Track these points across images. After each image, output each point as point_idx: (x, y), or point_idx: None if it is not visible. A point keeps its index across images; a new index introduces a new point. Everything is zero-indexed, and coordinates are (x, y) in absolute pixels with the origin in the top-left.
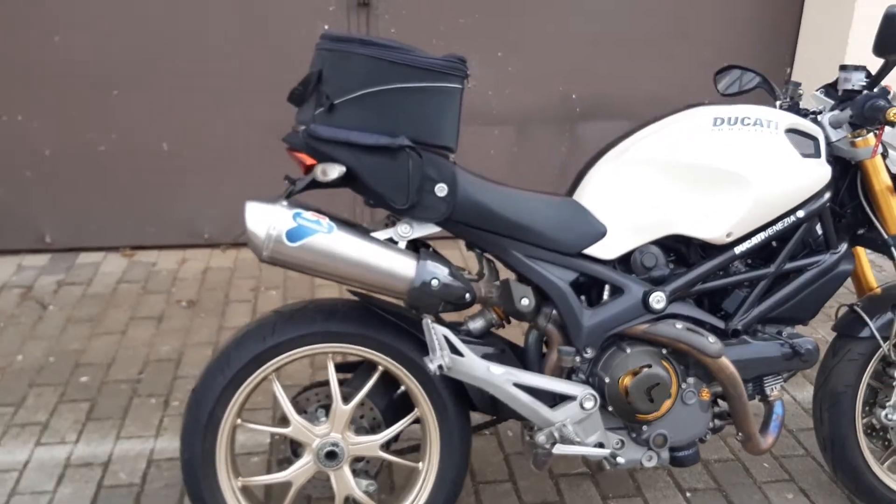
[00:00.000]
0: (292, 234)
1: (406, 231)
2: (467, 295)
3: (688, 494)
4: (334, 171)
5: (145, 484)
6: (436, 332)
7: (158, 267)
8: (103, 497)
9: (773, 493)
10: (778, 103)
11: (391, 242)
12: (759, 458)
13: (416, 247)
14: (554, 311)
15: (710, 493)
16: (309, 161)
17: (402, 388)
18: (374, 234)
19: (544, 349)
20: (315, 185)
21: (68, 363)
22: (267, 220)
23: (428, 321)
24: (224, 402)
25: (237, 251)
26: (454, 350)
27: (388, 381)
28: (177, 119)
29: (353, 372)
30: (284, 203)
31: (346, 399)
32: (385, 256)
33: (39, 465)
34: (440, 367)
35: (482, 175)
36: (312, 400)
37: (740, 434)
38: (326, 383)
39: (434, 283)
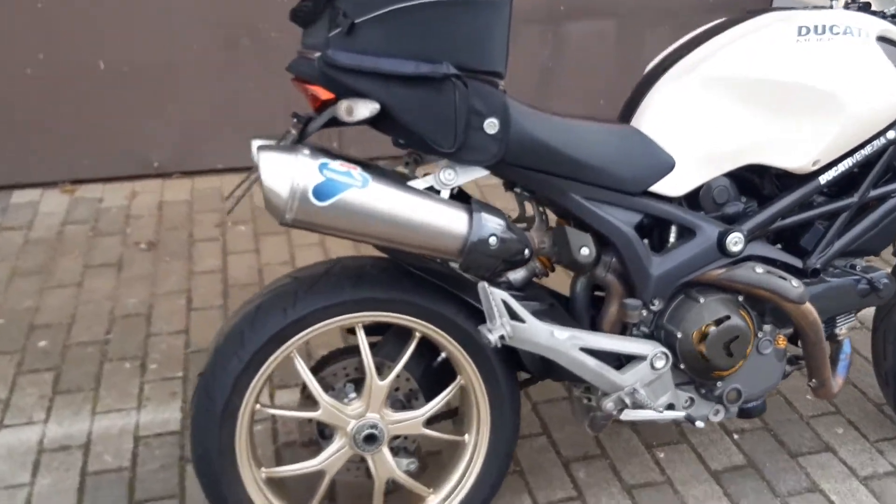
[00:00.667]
0: (320, 191)
1: (449, 178)
2: (526, 251)
3: (735, 437)
4: (364, 108)
5: (136, 466)
6: (494, 298)
7: (106, 203)
8: (91, 486)
9: (822, 429)
10: (838, 3)
11: (432, 192)
12: (800, 391)
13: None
14: (614, 260)
15: (757, 433)
16: (325, 95)
17: (442, 354)
18: (413, 184)
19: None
20: (333, 124)
21: (21, 325)
22: (288, 173)
23: (485, 286)
24: (241, 388)
25: (192, 180)
26: (513, 316)
27: (424, 346)
28: (113, 30)
29: (378, 335)
30: (306, 151)
31: (380, 371)
32: (433, 211)
33: (8, 453)
34: (501, 337)
35: (532, 104)
36: (340, 374)
37: (813, 381)
38: (350, 351)
39: (492, 240)
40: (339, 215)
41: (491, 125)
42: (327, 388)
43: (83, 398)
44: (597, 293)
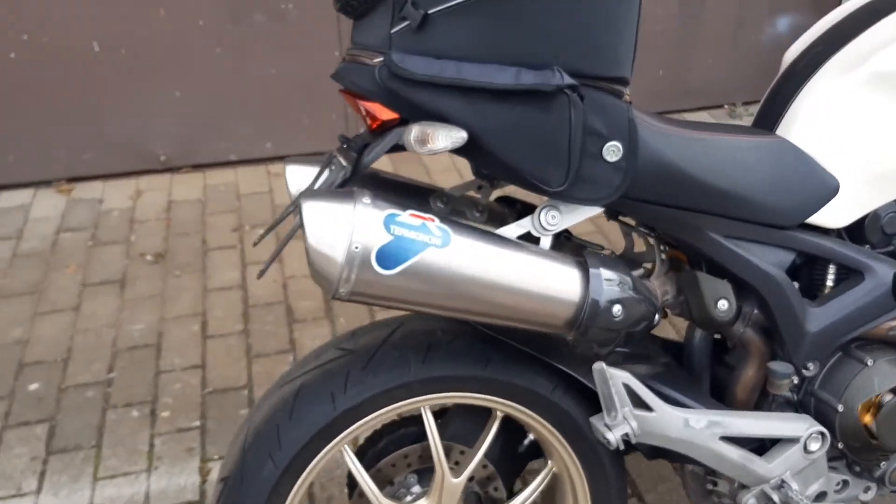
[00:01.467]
0: (387, 255)
1: (552, 221)
2: (656, 317)
3: None
4: (445, 137)
5: None
6: (614, 383)
7: (107, 205)
8: None
9: None
10: None
11: (528, 241)
12: None
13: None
14: (756, 311)
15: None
16: (386, 115)
17: (529, 436)
18: (504, 232)
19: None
20: (396, 149)
21: (9, 362)
22: (344, 232)
23: (603, 369)
24: (279, 498)
25: (203, 175)
26: (637, 402)
27: (502, 423)
28: (107, 6)
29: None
30: (366, 200)
31: (448, 454)
32: (535, 272)
33: None
34: (625, 435)
35: (656, 113)
36: (400, 464)
37: None
38: (407, 424)
39: (616, 309)
40: (410, 285)
41: (612, 150)
42: (384, 481)
43: (83, 459)
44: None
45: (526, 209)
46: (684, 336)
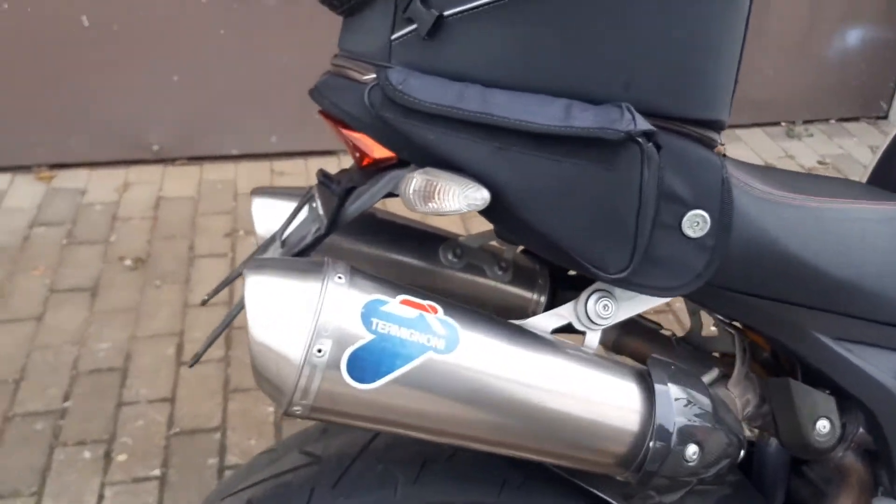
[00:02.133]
0: (364, 363)
1: (603, 313)
2: (741, 453)
3: None
4: (459, 198)
5: None
6: None
7: (89, 197)
8: None
9: None
10: None
11: (564, 338)
12: None
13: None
14: (860, 431)
15: None
16: (379, 152)
17: None
18: (533, 326)
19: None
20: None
21: None
22: (301, 325)
23: None
24: None
25: (200, 168)
26: None
27: None
28: None
29: None
30: (340, 276)
31: None
32: (579, 390)
33: None
34: None
35: (748, 164)
36: None
37: None
38: None
39: (691, 451)
40: (397, 403)
41: (697, 222)
42: None
43: None
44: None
45: (562, 269)
46: (756, 437)
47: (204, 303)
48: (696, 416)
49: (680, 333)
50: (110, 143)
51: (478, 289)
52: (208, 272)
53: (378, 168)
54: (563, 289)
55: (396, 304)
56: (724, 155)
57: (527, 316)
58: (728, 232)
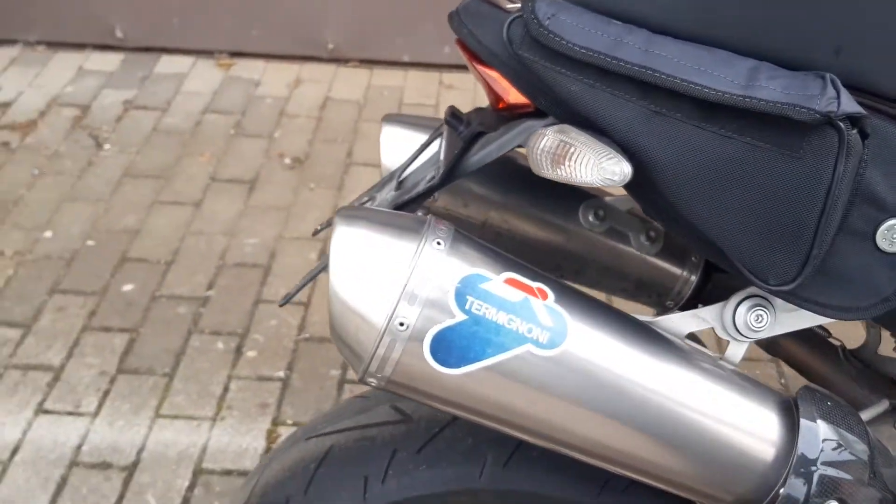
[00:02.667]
0: (450, 345)
1: (756, 324)
2: None
3: None
4: (595, 168)
5: None
6: None
7: (262, 89)
8: None
9: None
10: None
11: (696, 346)
12: None
13: None
14: None
15: None
16: (514, 97)
17: None
18: (660, 325)
19: None
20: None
21: (112, 254)
22: (388, 289)
23: None
24: None
25: (370, 72)
26: None
27: None
28: None
29: None
30: (441, 240)
31: None
32: (708, 414)
33: (35, 457)
34: None
35: None
36: None
37: None
38: None
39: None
40: (483, 395)
41: (893, 235)
42: None
43: (151, 387)
44: None
45: None
46: None
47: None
48: (845, 465)
49: (851, 345)
50: (288, 37)
51: (619, 257)
52: (362, 181)
53: (513, 114)
54: (718, 270)
55: (499, 283)
56: None
57: (672, 296)
58: None
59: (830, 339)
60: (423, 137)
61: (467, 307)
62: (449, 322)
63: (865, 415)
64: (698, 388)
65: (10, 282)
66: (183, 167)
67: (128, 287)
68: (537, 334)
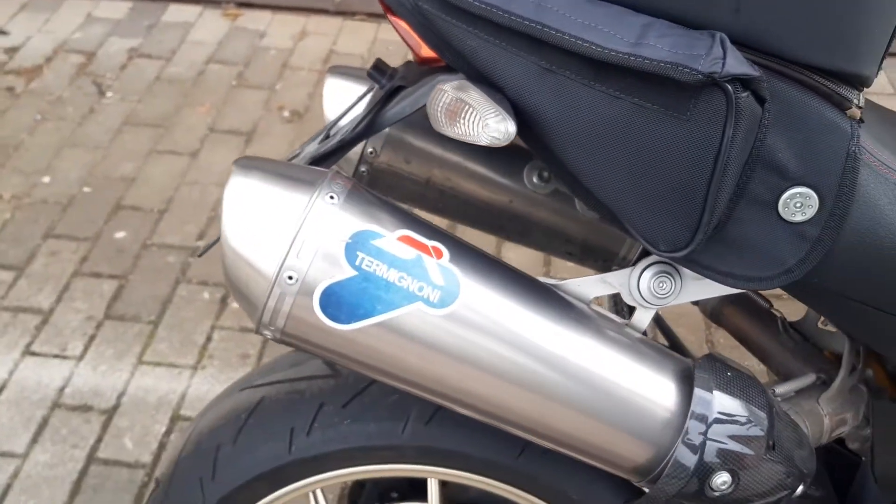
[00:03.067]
0: (339, 301)
1: (660, 290)
2: (799, 487)
3: None
4: (482, 126)
5: (155, 467)
6: None
7: (267, 41)
8: (90, 483)
9: None
10: None
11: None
12: None
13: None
14: None
15: None
16: (426, 51)
17: None
18: (568, 287)
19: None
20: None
21: (107, 201)
22: (276, 243)
23: None
24: None
25: (376, 26)
26: None
27: None
28: None
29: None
30: (335, 194)
31: None
32: (601, 379)
33: (18, 397)
34: None
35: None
36: None
37: None
38: (394, 490)
39: (720, 480)
40: (375, 351)
41: (799, 204)
42: None
43: (136, 334)
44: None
45: None
46: (860, 467)
47: (200, 255)
48: (740, 437)
49: (793, 317)
50: None
51: (564, 220)
52: None
53: (432, 68)
54: None
55: (392, 240)
56: (860, 121)
57: (618, 261)
58: (841, 223)
59: (773, 311)
60: (361, 88)
61: (357, 263)
62: (338, 277)
63: (789, 387)
64: (594, 353)
65: (7, 225)
66: (182, 117)
67: (120, 234)
68: (428, 293)
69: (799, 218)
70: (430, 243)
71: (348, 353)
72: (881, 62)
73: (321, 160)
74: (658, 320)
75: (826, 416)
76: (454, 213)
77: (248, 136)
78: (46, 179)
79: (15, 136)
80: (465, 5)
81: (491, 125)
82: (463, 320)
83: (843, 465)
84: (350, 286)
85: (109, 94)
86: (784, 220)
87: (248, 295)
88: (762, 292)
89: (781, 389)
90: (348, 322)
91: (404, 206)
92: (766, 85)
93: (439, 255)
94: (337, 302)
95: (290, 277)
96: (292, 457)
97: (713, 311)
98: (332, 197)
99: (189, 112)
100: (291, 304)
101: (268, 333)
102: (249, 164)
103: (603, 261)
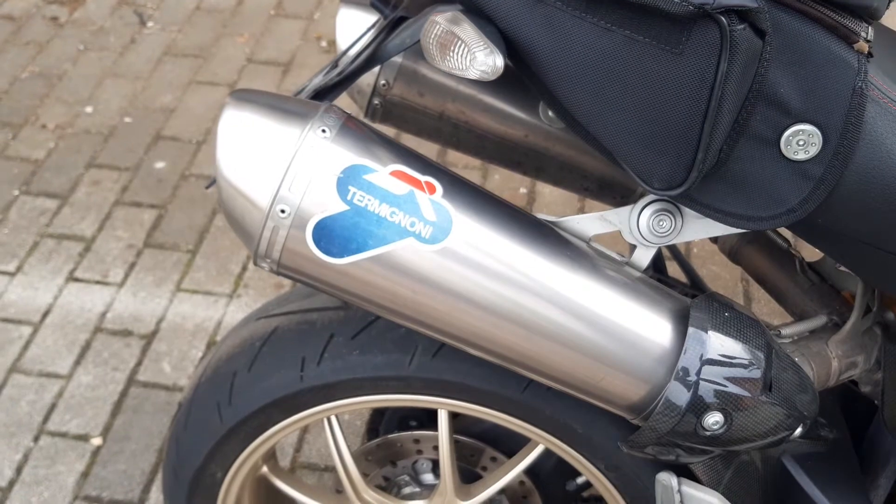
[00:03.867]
0: (331, 235)
1: (660, 229)
2: (798, 427)
3: None
4: (470, 60)
5: None
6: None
7: None
8: (130, 404)
9: None
10: None
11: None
12: None
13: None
14: None
15: None
16: None
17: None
18: (566, 224)
19: None
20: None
21: (147, 131)
22: (269, 176)
23: (670, 480)
24: (223, 458)
25: None
26: None
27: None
28: None
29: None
30: (327, 128)
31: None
32: (595, 316)
33: (62, 320)
34: None
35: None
36: (408, 447)
37: None
38: (412, 419)
39: (712, 420)
40: (369, 284)
41: (802, 142)
42: (383, 459)
43: (175, 261)
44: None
45: None
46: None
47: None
48: (734, 378)
49: (813, 257)
50: None
51: (578, 156)
52: None
53: (430, 0)
54: None
55: (384, 175)
56: (869, 54)
57: (635, 197)
58: (845, 162)
59: (791, 250)
60: (374, 18)
61: (349, 197)
62: (330, 211)
63: (797, 328)
64: (591, 290)
65: (51, 154)
66: (221, 47)
67: (160, 164)
68: (420, 228)
69: (802, 156)
70: (424, 178)
71: (343, 286)
72: None
73: (324, 93)
74: (676, 255)
75: (835, 358)
76: (469, 147)
77: (286, 66)
78: (89, 109)
79: (59, 66)
80: None
81: (479, 58)
82: (455, 256)
83: (860, 408)
84: (342, 220)
85: (150, 23)
86: (786, 158)
87: (243, 227)
88: (781, 231)
89: (789, 331)
90: (341, 256)
91: (399, 142)
92: (768, 16)
93: (432, 190)
94: (329, 236)
95: (283, 211)
96: (304, 385)
97: (731, 249)
98: (324, 131)
99: (228, 42)
100: (285, 237)
101: (265, 265)
102: (244, 96)
103: (620, 197)
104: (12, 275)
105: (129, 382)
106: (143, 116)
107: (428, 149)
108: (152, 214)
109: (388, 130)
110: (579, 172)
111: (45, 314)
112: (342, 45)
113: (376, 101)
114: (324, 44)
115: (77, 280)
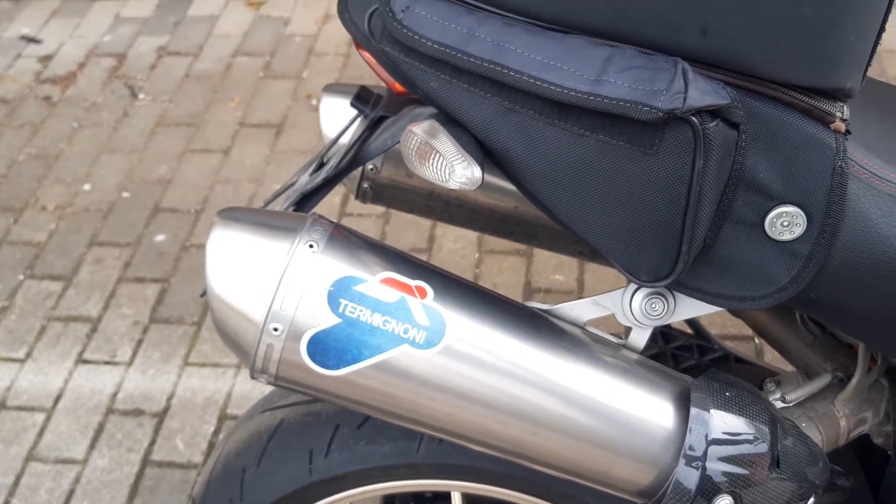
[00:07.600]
0: (326, 348)
1: (653, 311)
2: (811, 499)
3: None
4: (448, 172)
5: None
6: None
7: (292, 28)
8: (147, 486)
9: None
10: None
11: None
12: None
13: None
14: None
15: None
16: (398, 86)
17: None
18: (561, 311)
19: None
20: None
21: (145, 204)
22: (258, 296)
23: None
24: None
25: None
26: None
27: None
28: None
29: None
30: (315, 242)
31: None
32: (598, 403)
33: (74, 405)
34: None
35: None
36: None
37: None
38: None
39: (726, 502)
40: (366, 393)
41: (786, 223)
42: None
43: (180, 335)
44: None
45: None
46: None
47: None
48: (741, 458)
49: None
50: None
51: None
52: None
53: (409, 98)
54: None
55: (375, 284)
56: (847, 132)
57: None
58: (832, 240)
59: None
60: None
61: (341, 310)
62: (323, 325)
63: (802, 392)
64: (591, 379)
65: (53, 235)
66: (213, 113)
67: (160, 237)
68: (413, 334)
69: (787, 237)
70: (414, 283)
71: (341, 394)
72: (865, 71)
73: (309, 196)
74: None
75: (843, 417)
76: (461, 221)
77: (279, 127)
78: (87, 187)
79: (55, 146)
80: (424, 49)
81: (458, 171)
82: (451, 357)
83: (875, 453)
84: (335, 333)
85: (142, 95)
86: (772, 239)
87: (238, 344)
88: None
89: (793, 395)
90: (337, 367)
91: (386, 245)
92: (740, 107)
93: (423, 294)
94: (324, 349)
95: (276, 329)
96: (313, 478)
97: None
98: (311, 245)
99: (219, 108)
100: (280, 353)
101: (262, 379)
102: (230, 215)
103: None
104: (23, 361)
105: (143, 463)
106: (140, 190)
107: None
108: (155, 289)
109: (379, 210)
110: (571, 238)
111: (57, 399)
112: (327, 132)
113: (366, 185)
114: (314, 102)
115: (86, 362)
